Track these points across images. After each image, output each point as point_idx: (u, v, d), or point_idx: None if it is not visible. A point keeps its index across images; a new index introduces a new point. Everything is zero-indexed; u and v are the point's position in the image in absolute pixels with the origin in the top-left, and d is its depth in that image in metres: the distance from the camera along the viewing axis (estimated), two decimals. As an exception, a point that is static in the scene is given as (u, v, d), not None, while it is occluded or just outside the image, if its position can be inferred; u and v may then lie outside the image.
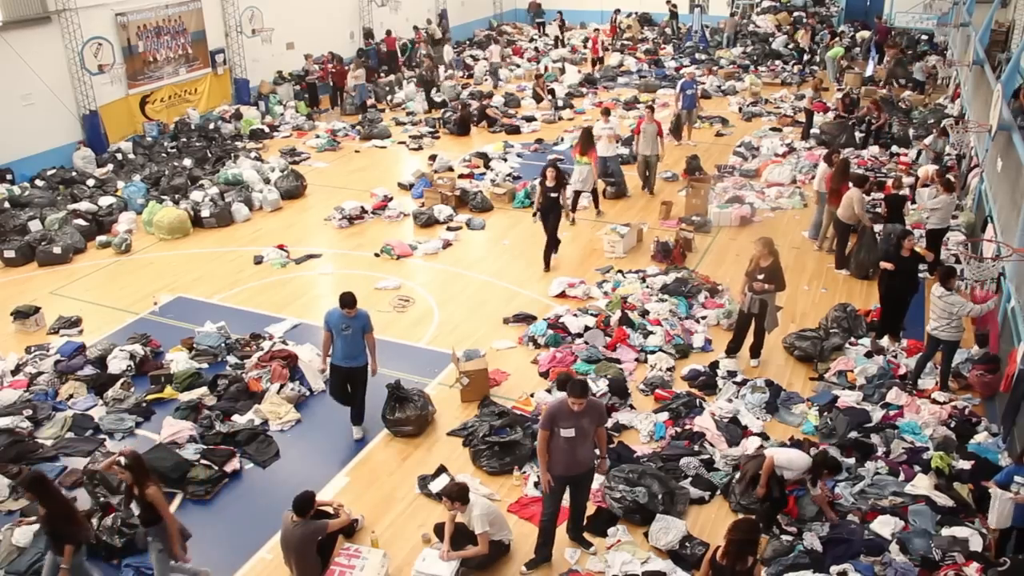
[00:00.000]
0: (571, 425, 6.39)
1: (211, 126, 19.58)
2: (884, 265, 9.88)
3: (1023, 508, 6.38)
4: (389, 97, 23.06)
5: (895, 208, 12.33)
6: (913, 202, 14.20)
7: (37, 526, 7.05)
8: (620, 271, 12.18)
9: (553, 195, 11.89)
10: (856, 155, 16.77)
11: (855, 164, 15.95)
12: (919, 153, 16.47)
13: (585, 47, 29.48)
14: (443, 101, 22.45)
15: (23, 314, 11.01)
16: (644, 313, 10.74)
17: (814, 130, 18.52)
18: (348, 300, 8.13)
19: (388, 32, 25.95)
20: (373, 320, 10.93)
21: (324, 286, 12.30)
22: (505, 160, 17.50)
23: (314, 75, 22.13)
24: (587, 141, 13.79)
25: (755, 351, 9.82)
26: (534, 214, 12.25)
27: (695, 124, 18.98)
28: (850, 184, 12.14)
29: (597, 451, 6.84)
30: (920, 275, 10.49)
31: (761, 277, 9.30)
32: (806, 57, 25.93)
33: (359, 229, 14.35)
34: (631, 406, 9.02)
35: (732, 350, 9.84)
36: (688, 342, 10.21)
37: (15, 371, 9.87)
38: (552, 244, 12.32)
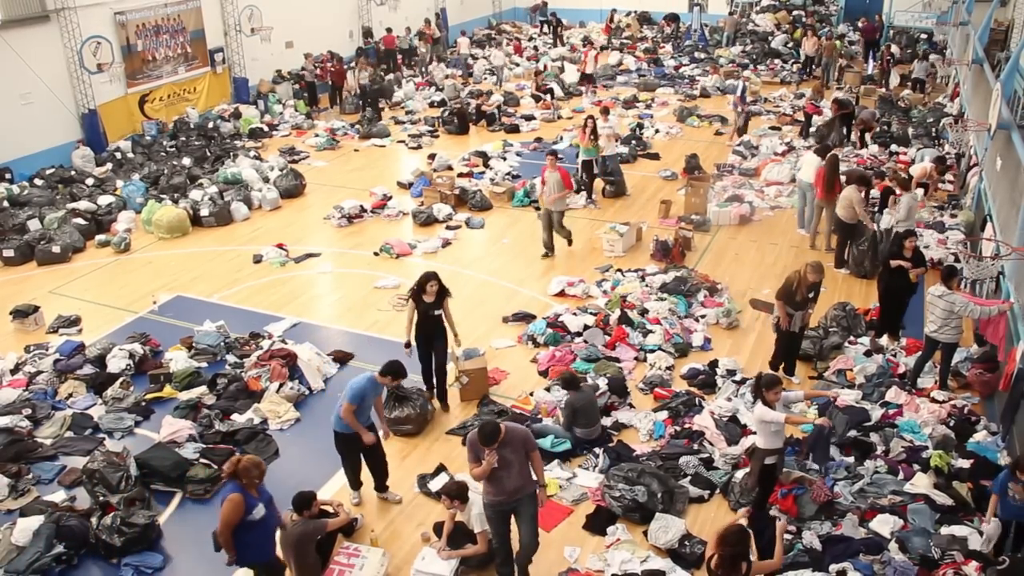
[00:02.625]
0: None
1: (210, 125, 19.59)
2: (895, 263, 9.80)
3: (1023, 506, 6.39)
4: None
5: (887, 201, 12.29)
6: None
7: (36, 525, 7.06)
8: (619, 270, 12.18)
9: (436, 313, 8.69)
10: (856, 154, 16.78)
11: (854, 163, 15.98)
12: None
13: (585, 46, 29.47)
14: (442, 101, 22.43)
15: (22, 313, 11.00)
16: (643, 312, 10.74)
17: (812, 129, 18.55)
18: (398, 370, 7.52)
19: (388, 30, 25.96)
20: (372, 319, 11.06)
21: (323, 285, 12.30)
22: (504, 159, 17.50)
23: (311, 74, 22.10)
24: (592, 129, 14.47)
25: (793, 367, 9.54)
26: (407, 345, 8.72)
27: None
28: (843, 181, 12.21)
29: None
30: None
31: (812, 295, 9.05)
32: (804, 59, 25.58)
33: (358, 228, 14.35)
34: (630, 405, 9.03)
35: (791, 370, 9.46)
36: (687, 341, 10.21)
37: (14, 370, 9.87)
38: (441, 377, 9.04)
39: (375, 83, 21.72)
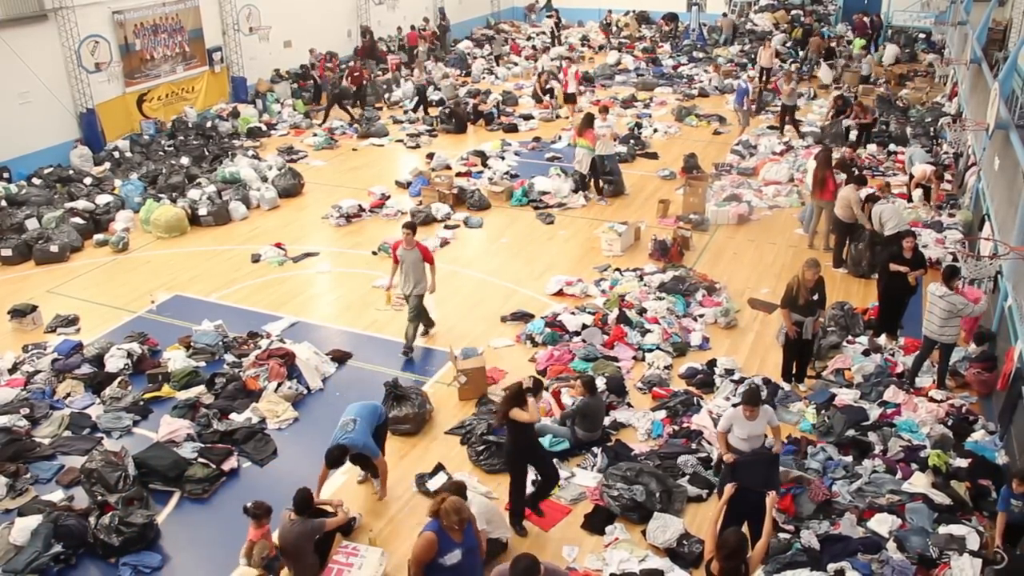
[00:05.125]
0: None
1: (208, 124, 19.56)
2: (895, 267, 9.77)
3: None
4: (387, 95, 22.98)
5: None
6: (910, 200, 14.22)
7: (35, 524, 7.05)
8: (618, 269, 12.18)
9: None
10: (855, 154, 16.77)
11: (845, 153, 16.02)
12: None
13: (583, 45, 29.47)
14: (438, 101, 22.33)
15: (20, 312, 10.99)
16: (642, 311, 10.74)
17: (812, 128, 18.56)
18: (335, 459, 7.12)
19: (412, 28, 26.46)
20: (370, 319, 11.05)
21: (322, 284, 12.29)
22: (503, 158, 17.49)
23: (314, 71, 22.04)
24: (586, 124, 14.65)
25: (804, 374, 9.45)
26: (513, 469, 7.23)
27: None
28: (834, 174, 12.27)
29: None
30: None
31: (816, 297, 8.88)
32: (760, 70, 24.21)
33: (357, 227, 14.34)
34: (629, 404, 9.03)
35: (801, 377, 9.38)
36: (686, 340, 10.21)
37: (12, 369, 9.85)
38: (546, 486, 7.46)
39: (335, 85, 21.06)
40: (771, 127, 19.28)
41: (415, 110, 21.34)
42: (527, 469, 7.21)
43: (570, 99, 20.81)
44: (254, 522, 6.42)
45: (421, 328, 10.31)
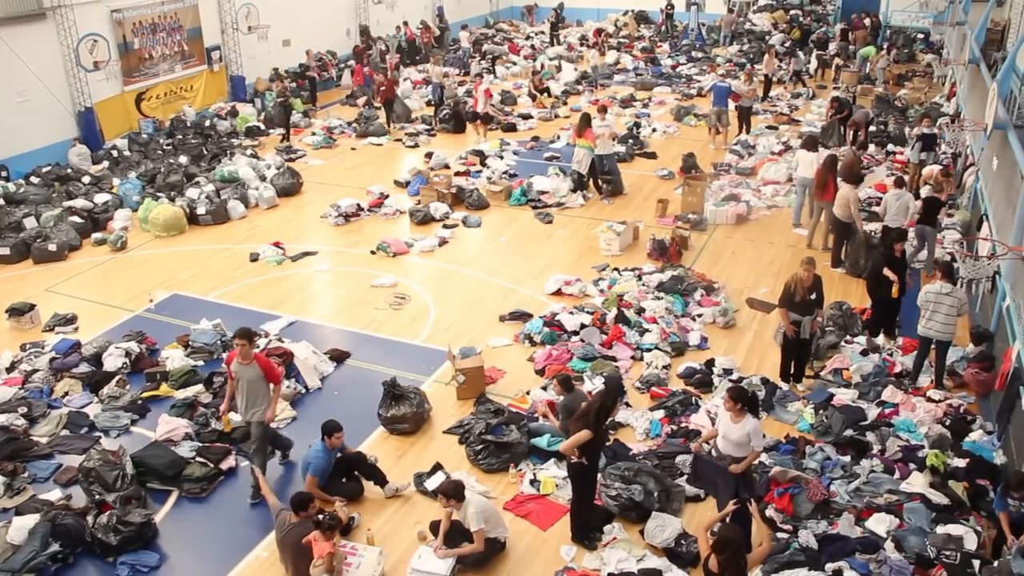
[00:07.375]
0: None
1: (207, 123, 19.53)
2: (888, 274, 9.76)
3: None
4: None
5: (931, 211, 11.67)
6: (917, 196, 14.15)
7: (32, 523, 7.04)
8: (616, 269, 12.18)
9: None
10: (855, 153, 16.76)
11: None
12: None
13: (582, 44, 29.43)
14: (405, 110, 21.99)
15: (18, 311, 10.97)
16: (640, 311, 10.74)
17: (812, 128, 18.56)
18: (337, 425, 7.58)
19: (405, 23, 26.63)
20: (368, 318, 11.05)
21: (320, 283, 12.29)
22: (501, 158, 17.48)
23: (313, 69, 21.99)
24: (585, 124, 14.80)
25: (802, 373, 9.45)
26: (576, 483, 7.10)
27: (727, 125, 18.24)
28: (835, 177, 12.27)
29: None
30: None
31: (814, 297, 8.90)
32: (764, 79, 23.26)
33: (355, 226, 14.33)
34: (627, 404, 9.03)
35: (799, 376, 9.39)
36: (684, 340, 10.22)
37: (10, 368, 9.85)
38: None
39: (281, 96, 19.64)
40: (770, 127, 19.28)
41: (437, 109, 20.89)
42: (590, 484, 7.09)
43: (481, 118, 19.45)
44: (326, 533, 6.29)
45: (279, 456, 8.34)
